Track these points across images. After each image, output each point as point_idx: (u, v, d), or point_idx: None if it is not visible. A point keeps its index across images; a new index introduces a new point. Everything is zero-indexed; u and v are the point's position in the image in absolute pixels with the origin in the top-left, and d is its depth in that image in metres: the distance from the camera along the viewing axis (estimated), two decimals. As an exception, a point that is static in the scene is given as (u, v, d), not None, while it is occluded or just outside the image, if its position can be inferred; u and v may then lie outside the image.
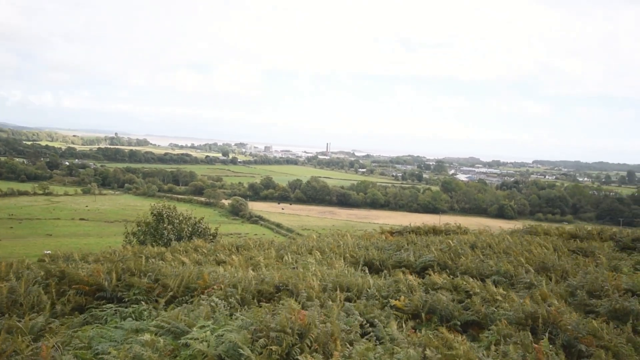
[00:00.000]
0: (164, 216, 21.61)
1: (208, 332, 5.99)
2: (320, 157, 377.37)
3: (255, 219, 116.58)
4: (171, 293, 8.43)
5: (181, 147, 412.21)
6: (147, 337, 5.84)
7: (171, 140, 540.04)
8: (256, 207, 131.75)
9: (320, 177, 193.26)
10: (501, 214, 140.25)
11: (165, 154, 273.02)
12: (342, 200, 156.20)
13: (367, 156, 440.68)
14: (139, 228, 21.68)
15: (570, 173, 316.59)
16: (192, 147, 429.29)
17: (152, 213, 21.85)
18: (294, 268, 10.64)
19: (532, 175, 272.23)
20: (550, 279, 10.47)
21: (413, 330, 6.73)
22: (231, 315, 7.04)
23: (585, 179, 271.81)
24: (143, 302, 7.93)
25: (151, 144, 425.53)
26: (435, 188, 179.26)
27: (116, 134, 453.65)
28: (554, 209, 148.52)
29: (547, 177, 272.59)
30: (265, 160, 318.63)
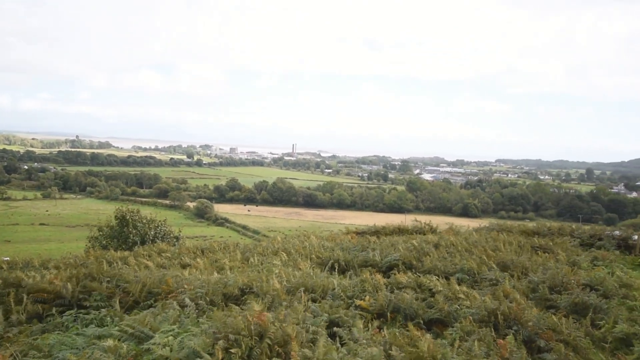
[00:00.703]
0: (129, 220, 21.23)
1: (171, 337, 5.91)
2: (286, 158, 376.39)
3: (221, 221, 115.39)
4: (133, 298, 8.30)
5: (145, 149, 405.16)
6: (109, 342, 5.73)
7: (135, 142, 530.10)
8: (222, 209, 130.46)
9: (286, 178, 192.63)
10: (465, 212, 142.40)
11: (129, 156, 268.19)
12: (309, 201, 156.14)
13: (333, 157, 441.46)
14: (101, 233, 21.24)
15: (532, 171, 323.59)
16: (156, 149, 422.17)
17: (115, 217, 21.45)
18: (259, 270, 10.59)
19: (495, 174, 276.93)
20: (513, 276, 10.70)
21: (378, 330, 6.77)
22: (196, 318, 6.98)
23: (547, 177, 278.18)
24: (104, 309, 7.79)
25: (114, 146, 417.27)
26: (400, 188, 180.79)
27: (77, 136, 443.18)
28: (516, 206, 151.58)
29: (509, 175, 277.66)
30: (230, 162, 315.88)
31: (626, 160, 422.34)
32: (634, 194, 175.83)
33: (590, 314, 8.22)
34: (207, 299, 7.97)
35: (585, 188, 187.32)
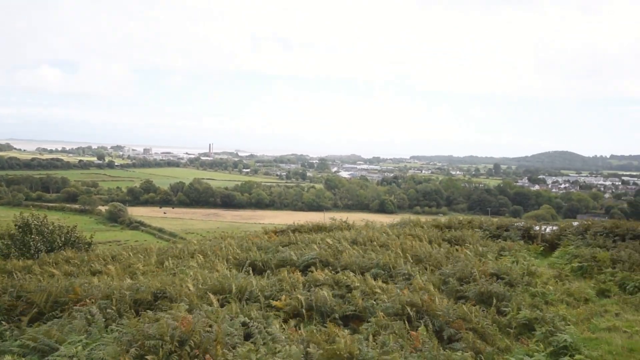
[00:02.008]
0: (32, 227, 19.92)
1: (80, 348, 5.63)
2: (203, 158, 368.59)
3: (136, 225, 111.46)
4: (37, 309, 7.83)
5: (51, 151, 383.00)
6: (7, 359, 5.36)
7: (39, 144, 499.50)
8: (136, 212, 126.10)
9: (203, 178, 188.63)
10: (382, 208, 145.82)
11: (33, 159, 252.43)
12: (227, 201, 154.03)
13: (251, 156, 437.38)
14: (2, 241, 19.80)
15: (444, 167, 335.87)
16: (64, 151, 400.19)
17: (15, 224, 20.05)
18: (174, 274, 10.31)
19: (410, 171, 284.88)
20: (426, 269, 11.05)
21: (294, 329, 6.77)
22: (107, 327, 6.68)
23: (458, 172, 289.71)
24: (4, 322, 7.28)
25: (15, 148, 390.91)
26: (319, 186, 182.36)
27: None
28: (430, 201, 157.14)
29: (423, 171, 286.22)
30: (144, 163, 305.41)
31: (529, 155, 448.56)
32: (537, 187, 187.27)
33: (496, 302, 8.65)
34: (118, 306, 7.66)
35: (493, 182, 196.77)
